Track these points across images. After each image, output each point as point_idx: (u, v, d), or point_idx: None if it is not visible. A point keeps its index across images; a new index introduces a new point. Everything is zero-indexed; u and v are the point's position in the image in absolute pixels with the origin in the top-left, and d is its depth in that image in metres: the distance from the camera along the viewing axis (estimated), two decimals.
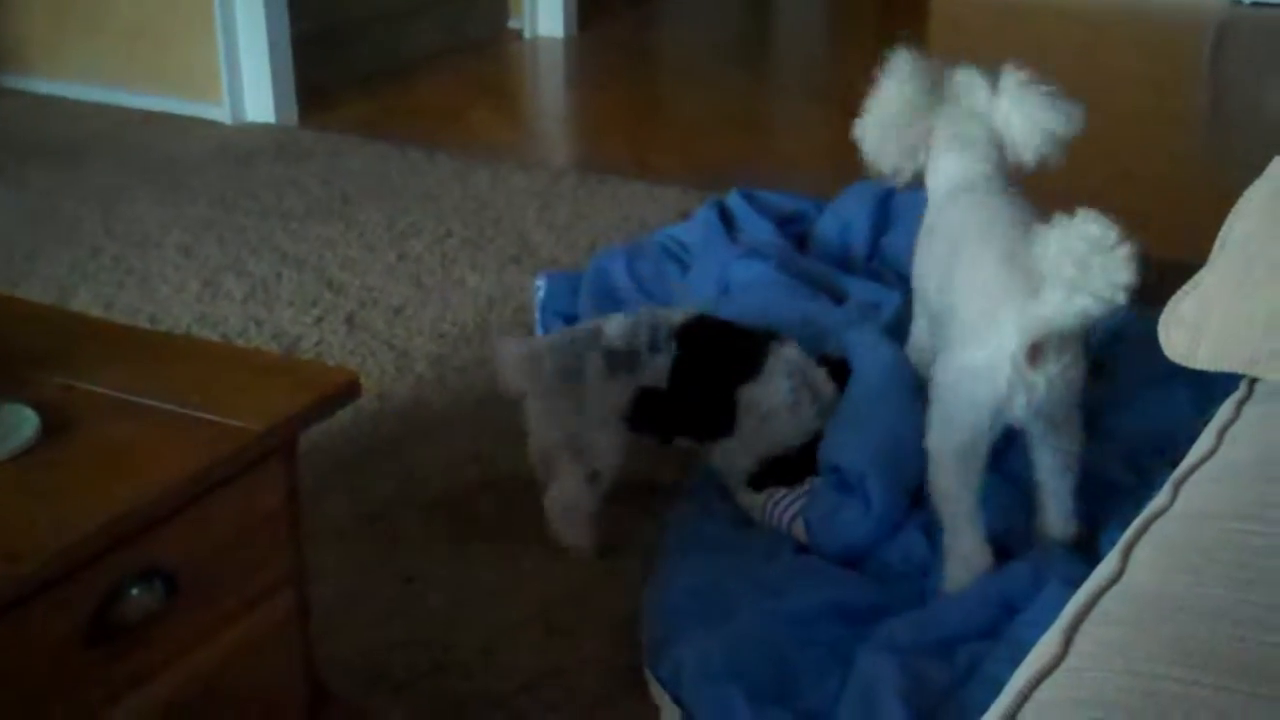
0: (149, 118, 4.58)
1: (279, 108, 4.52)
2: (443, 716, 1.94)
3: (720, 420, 2.32)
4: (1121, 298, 1.72)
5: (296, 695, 1.54)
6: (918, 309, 2.43)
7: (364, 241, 3.54)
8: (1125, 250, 1.74)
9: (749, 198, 3.26)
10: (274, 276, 3.33)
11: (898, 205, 3.09)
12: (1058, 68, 5.13)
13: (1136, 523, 1.26)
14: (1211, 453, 1.36)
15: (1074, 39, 5.88)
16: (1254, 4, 6.20)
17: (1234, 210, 1.49)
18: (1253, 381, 1.50)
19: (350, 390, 1.46)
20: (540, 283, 3.04)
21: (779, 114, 4.96)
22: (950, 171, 2.30)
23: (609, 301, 2.91)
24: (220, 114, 4.53)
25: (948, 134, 2.34)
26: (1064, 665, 1.09)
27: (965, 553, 2.01)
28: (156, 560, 1.31)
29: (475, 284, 3.28)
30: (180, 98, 4.59)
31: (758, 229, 3.11)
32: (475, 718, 1.93)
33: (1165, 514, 1.27)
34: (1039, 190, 3.76)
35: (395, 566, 2.24)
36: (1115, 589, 1.17)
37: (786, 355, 2.35)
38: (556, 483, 2.29)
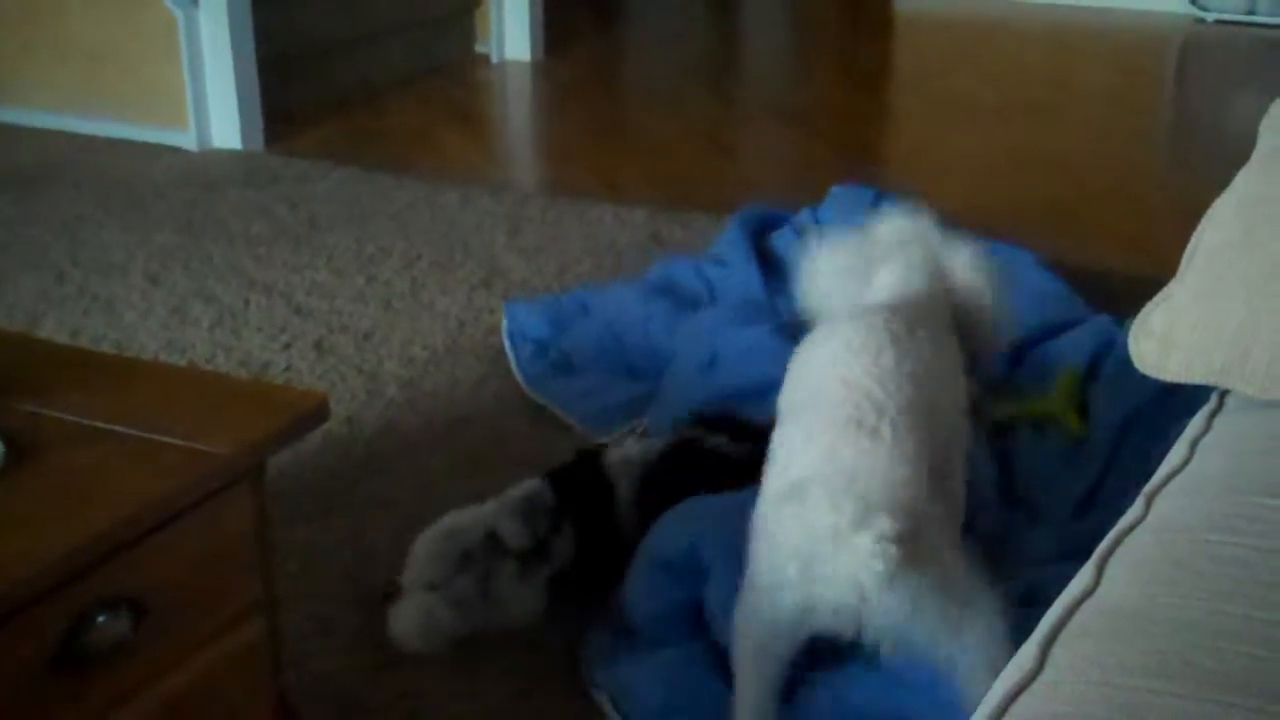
0: (114, 145, 4.55)
1: (245, 133, 4.50)
2: None
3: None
4: (875, 597, 1.47)
5: None
6: None
7: (332, 266, 3.52)
8: (870, 536, 1.46)
9: (773, 220, 3.21)
10: (241, 303, 3.31)
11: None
12: (1022, 84, 5.16)
13: (1110, 535, 1.26)
14: (1184, 464, 1.36)
15: (1038, 56, 5.91)
16: (1218, 21, 6.25)
17: (1203, 222, 1.50)
18: (1223, 394, 1.51)
19: (319, 413, 1.45)
20: (505, 316, 3.03)
21: (746, 135, 4.97)
22: None
23: (610, 343, 2.88)
24: (186, 140, 4.51)
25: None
26: (1041, 679, 1.09)
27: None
28: (124, 587, 1.30)
29: (445, 307, 3.27)
30: (145, 124, 4.57)
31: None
32: None
33: (1139, 527, 1.27)
34: (1005, 206, 3.80)
35: (366, 593, 2.22)
36: (1090, 602, 1.17)
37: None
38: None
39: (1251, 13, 6.23)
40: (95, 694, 1.29)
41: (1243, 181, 1.46)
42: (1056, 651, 1.11)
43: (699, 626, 2.04)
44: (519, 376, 2.87)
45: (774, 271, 3.01)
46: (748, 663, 1.72)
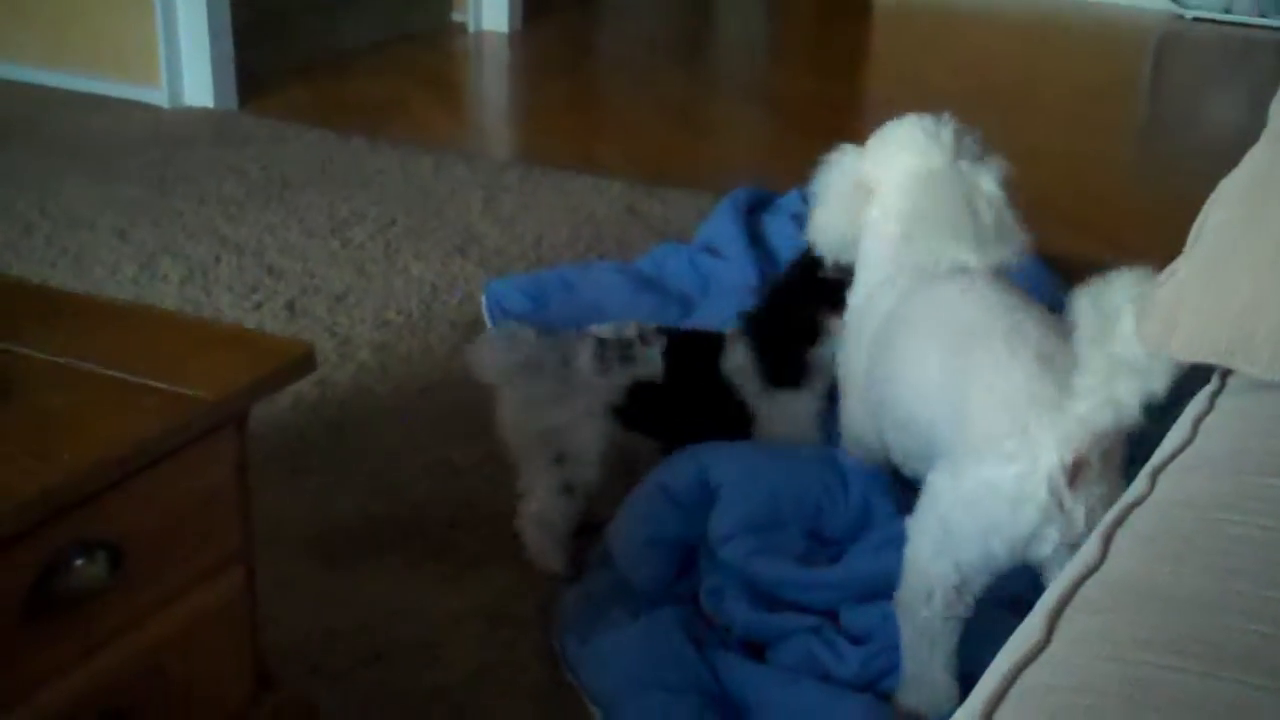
0: (84, 100, 4.48)
1: (218, 92, 4.44)
2: (383, 708, 1.89)
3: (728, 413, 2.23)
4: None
5: (242, 678, 1.49)
6: (850, 391, 2.12)
7: (305, 228, 3.47)
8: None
9: (762, 202, 3.17)
10: (212, 260, 3.26)
11: None
12: (998, 75, 5.15)
13: (1115, 510, 1.24)
14: (1187, 443, 1.35)
15: (1016, 48, 5.90)
16: (1196, 19, 6.26)
17: (1209, 200, 1.48)
18: (1225, 374, 1.49)
19: (304, 363, 1.41)
20: (485, 293, 2.99)
21: (721, 115, 4.93)
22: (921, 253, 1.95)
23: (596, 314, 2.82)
24: (158, 97, 4.44)
25: (921, 210, 1.99)
26: (1048, 651, 1.07)
27: (929, 683, 1.75)
28: (102, 531, 1.26)
29: (419, 273, 3.22)
30: (117, 80, 4.49)
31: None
32: (416, 710, 1.88)
33: (1144, 503, 1.25)
34: None
35: (335, 555, 2.19)
36: (1096, 576, 1.15)
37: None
38: (531, 496, 2.16)
39: (1229, 11, 6.24)
40: (70, 639, 1.25)
41: (1251, 160, 1.45)
42: (1063, 624, 1.09)
43: (681, 574, 2.03)
44: None
45: (769, 260, 2.96)
46: (939, 606, 1.71)
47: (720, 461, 2.11)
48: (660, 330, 2.24)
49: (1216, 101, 5.40)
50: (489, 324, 2.92)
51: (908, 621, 1.75)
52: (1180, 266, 1.44)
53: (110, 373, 1.35)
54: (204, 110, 4.42)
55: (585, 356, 2.15)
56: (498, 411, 2.18)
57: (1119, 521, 1.22)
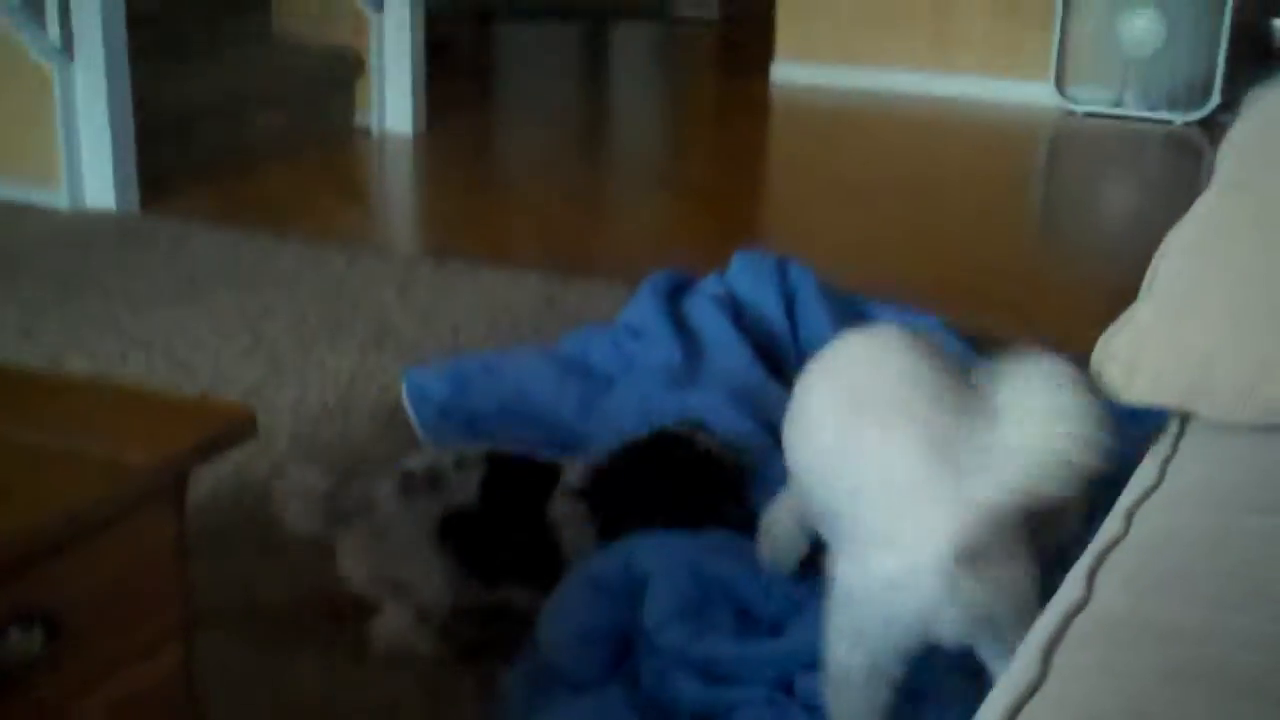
0: None
1: (120, 195, 4.37)
2: None
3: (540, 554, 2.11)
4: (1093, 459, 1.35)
5: None
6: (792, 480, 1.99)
7: (215, 324, 3.40)
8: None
9: (682, 286, 3.15)
10: (119, 357, 3.18)
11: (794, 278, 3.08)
12: (898, 167, 5.23)
13: (1093, 550, 1.21)
14: (1156, 485, 1.33)
15: (912, 142, 5.99)
16: (1087, 114, 6.40)
17: (1162, 247, 1.48)
18: (1183, 418, 1.48)
19: (245, 427, 1.36)
20: (405, 380, 2.92)
21: (630, 206, 4.95)
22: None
23: (519, 405, 2.78)
24: (57, 199, 4.36)
25: None
26: (1046, 688, 1.03)
27: None
28: (38, 602, 1.18)
29: (335, 365, 3.16)
30: (13, 182, 4.40)
31: (716, 331, 2.95)
32: None
33: (1122, 542, 1.22)
34: (894, 279, 3.81)
35: (264, 639, 2.11)
36: (1085, 613, 1.12)
37: (577, 469, 2.18)
38: (380, 620, 2.11)
39: (1119, 105, 6.39)
40: (4, 716, 1.17)
41: (1202, 207, 1.45)
42: (1058, 660, 1.06)
43: (619, 660, 1.97)
44: (422, 436, 2.77)
45: (691, 342, 2.94)
46: (856, 697, 1.65)
47: (644, 550, 2.06)
48: (488, 456, 2.15)
49: (1110, 190, 5.51)
50: (410, 413, 2.85)
51: (836, 703, 1.69)
52: (1137, 312, 1.43)
53: (46, 441, 1.29)
54: (105, 212, 4.35)
55: (385, 492, 2.10)
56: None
57: (1100, 560, 1.19)
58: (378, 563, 2.09)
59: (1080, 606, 1.13)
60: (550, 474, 2.16)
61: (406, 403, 2.89)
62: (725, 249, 3.63)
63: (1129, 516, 1.27)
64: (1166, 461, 1.37)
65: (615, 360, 2.92)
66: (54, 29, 4.28)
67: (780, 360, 2.91)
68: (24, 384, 1.46)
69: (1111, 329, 1.46)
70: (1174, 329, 1.38)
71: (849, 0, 6.88)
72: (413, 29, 5.57)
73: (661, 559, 2.04)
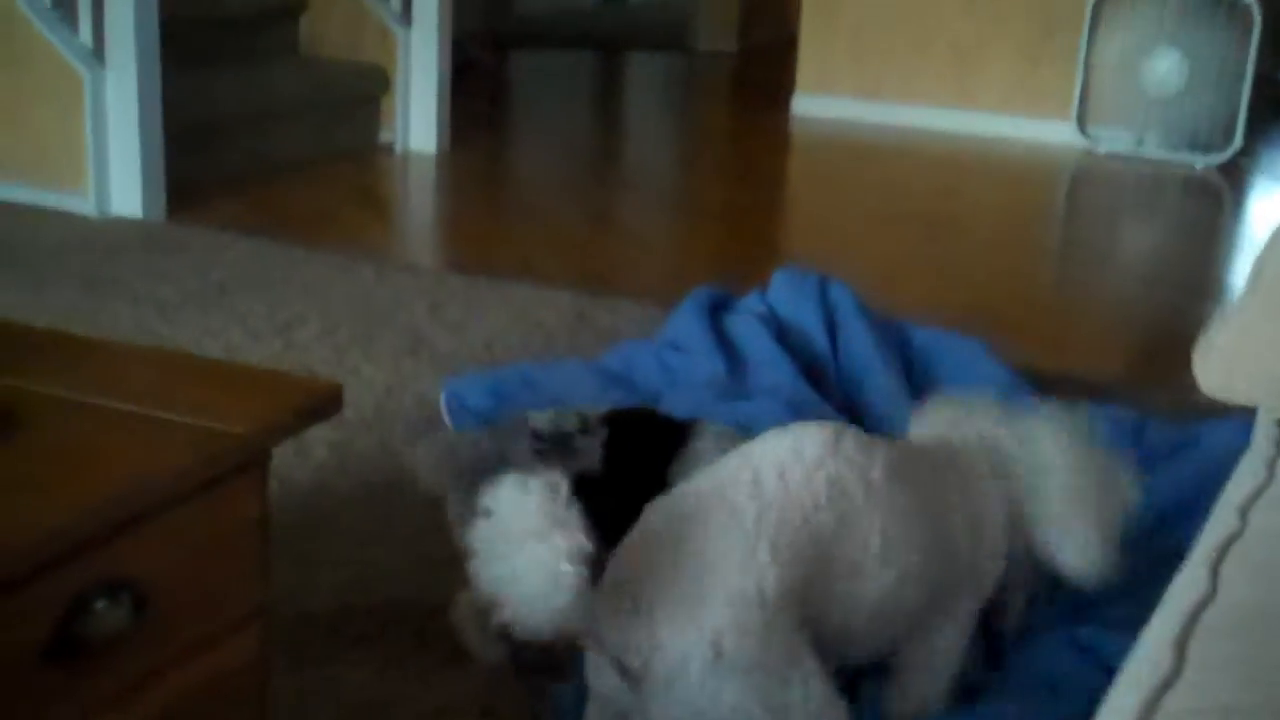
0: (4, 208, 4.36)
1: (147, 201, 4.34)
2: None
3: None
4: None
5: None
6: None
7: (247, 330, 3.37)
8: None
9: (722, 303, 3.12)
10: None
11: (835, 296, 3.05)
12: (921, 200, 5.23)
13: (1214, 543, 1.18)
14: (1267, 484, 1.30)
15: (934, 177, 5.98)
16: (1108, 153, 6.39)
17: (1268, 242, 1.45)
18: None
19: (334, 401, 1.32)
20: (444, 390, 2.89)
21: (656, 227, 4.93)
22: None
23: None
24: (84, 206, 4.34)
25: None
26: (1184, 679, 1.00)
27: None
28: (126, 571, 1.15)
29: (370, 374, 3.13)
30: (41, 187, 4.38)
31: (759, 347, 2.93)
32: None
33: (1241, 537, 1.19)
34: (923, 306, 3.78)
35: (310, 648, 2.07)
36: (1214, 607, 1.09)
37: (714, 431, 2.20)
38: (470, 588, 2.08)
39: (1140, 146, 6.39)
40: (90, 687, 1.14)
41: None
42: (1193, 652, 1.03)
43: None
44: None
45: (735, 357, 2.91)
46: None
47: None
48: (609, 417, 2.13)
49: (1131, 229, 5.50)
50: (448, 422, 2.83)
51: None
52: (1242, 306, 1.40)
53: (134, 408, 1.25)
54: (132, 220, 4.32)
55: (522, 451, 2.05)
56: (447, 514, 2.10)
57: (1221, 554, 1.16)
58: None
59: (1208, 600, 1.09)
60: (674, 433, 2.13)
61: (445, 413, 2.86)
62: (748, 272, 3.62)
63: (1243, 513, 1.23)
64: (1273, 462, 1.34)
65: (659, 374, 2.89)
66: (86, 34, 4.26)
67: (821, 378, 2.88)
68: (109, 354, 1.42)
69: (1213, 325, 1.43)
70: (1277, 327, 1.35)
71: (871, 35, 6.88)
72: (439, 47, 5.56)
73: None
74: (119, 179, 4.33)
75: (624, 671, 1.47)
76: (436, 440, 2.14)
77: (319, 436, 2.78)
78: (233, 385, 1.32)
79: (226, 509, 1.24)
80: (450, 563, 2.25)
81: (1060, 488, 1.69)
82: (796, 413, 2.57)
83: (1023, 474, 1.73)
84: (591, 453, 2.08)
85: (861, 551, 1.58)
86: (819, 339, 3.00)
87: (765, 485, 1.56)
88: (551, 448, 2.06)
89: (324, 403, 1.31)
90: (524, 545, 1.36)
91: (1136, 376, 3.41)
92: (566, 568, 1.34)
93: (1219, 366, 1.39)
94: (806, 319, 3.03)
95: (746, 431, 2.35)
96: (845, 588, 1.57)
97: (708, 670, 1.44)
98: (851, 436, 1.67)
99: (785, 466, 1.59)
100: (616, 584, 1.49)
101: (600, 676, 1.53)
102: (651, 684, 1.46)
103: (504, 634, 2.00)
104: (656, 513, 1.61)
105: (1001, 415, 1.78)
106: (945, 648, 1.72)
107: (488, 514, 1.43)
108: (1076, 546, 1.69)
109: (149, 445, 1.21)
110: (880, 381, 2.87)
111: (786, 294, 3.10)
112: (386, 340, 3.35)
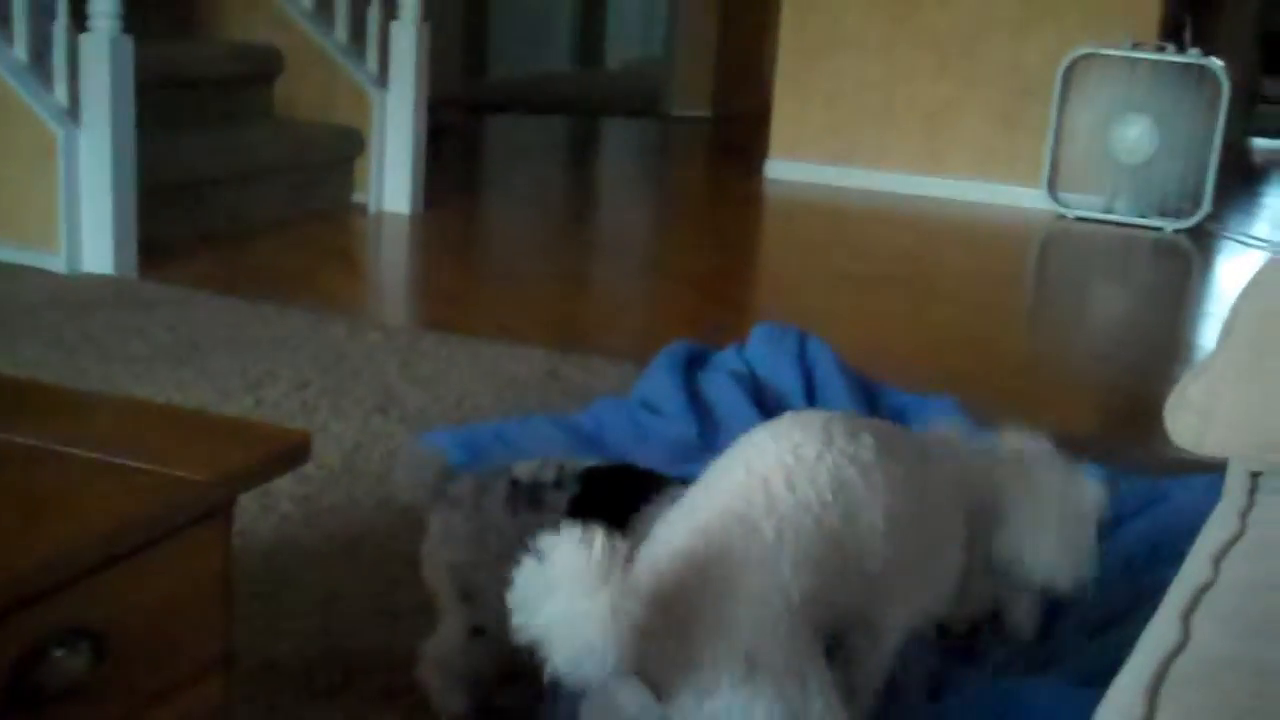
0: None
1: (119, 259, 4.33)
2: None
3: None
4: None
5: None
6: None
7: (217, 387, 3.35)
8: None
9: (698, 357, 3.11)
10: None
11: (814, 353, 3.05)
12: (894, 262, 5.26)
13: (1186, 592, 1.17)
14: (1240, 535, 1.29)
15: (906, 240, 6.01)
16: (1078, 218, 6.44)
17: (1239, 296, 1.45)
18: (1255, 475, 1.44)
19: (301, 451, 1.31)
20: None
21: (629, 288, 4.94)
22: None
23: None
24: (55, 263, 4.32)
25: None
26: None
27: None
28: (85, 619, 1.13)
29: (339, 430, 3.11)
30: (11, 244, 4.36)
31: (732, 407, 2.93)
32: None
33: (1213, 586, 1.19)
34: (901, 365, 3.79)
35: (274, 701, 2.04)
36: (1186, 654, 1.08)
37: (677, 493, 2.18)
38: (437, 631, 2.05)
39: (1110, 211, 6.44)
40: None
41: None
42: (1164, 700, 1.02)
43: None
44: None
45: (707, 417, 2.90)
46: None
47: None
48: (584, 473, 2.11)
49: (1101, 291, 5.53)
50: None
51: None
52: (1214, 360, 1.40)
53: (97, 456, 1.24)
54: (103, 277, 4.30)
55: (497, 497, 2.04)
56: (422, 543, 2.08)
57: (1193, 603, 1.15)
58: (464, 562, 2.01)
59: (1179, 648, 1.09)
60: (642, 491, 2.12)
61: None
62: (722, 331, 3.62)
63: (1216, 562, 1.23)
64: (1245, 512, 1.33)
65: (631, 433, 2.88)
66: (61, 93, 4.26)
67: None
68: (75, 402, 1.41)
69: (1185, 378, 1.43)
70: (1252, 377, 1.35)
71: (844, 100, 6.93)
72: (414, 110, 5.58)
73: None
74: (91, 237, 4.32)
75: (655, 689, 1.49)
76: (418, 453, 2.13)
77: (285, 491, 2.76)
78: (198, 434, 1.31)
79: (189, 558, 1.22)
80: (415, 614, 2.25)
81: (1030, 494, 1.76)
82: None
83: (990, 480, 1.80)
84: (557, 507, 2.07)
85: (871, 538, 1.62)
86: (796, 397, 3.00)
87: (777, 498, 1.60)
88: (522, 496, 2.05)
89: (291, 452, 1.29)
90: (579, 596, 1.37)
91: (1107, 435, 3.42)
92: (619, 621, 1.36)
93: (1191, 419, 1.39)
94: (784, 376, 3.03)
95: None
96: (856, 580, 1.61)
97: (740, 686, 1.47)
98: (839, 422, 1.72)
99: (790, 471, 1.63)
100: (649, 602, 1.50)
101: (624, 697, 1.54)
102: (682, 701, 1.48)
103: (469, 684, 2.00)
104: (675, 531, 1.63)
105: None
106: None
107: (540, 559, 1.43)
108: (1046, 552, 1.76)
109: (111, 493, 1.19)
110: None
111: (765, 350, 3.10)
112: (356, 397, 3.33)
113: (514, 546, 1.96)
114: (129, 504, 1.18)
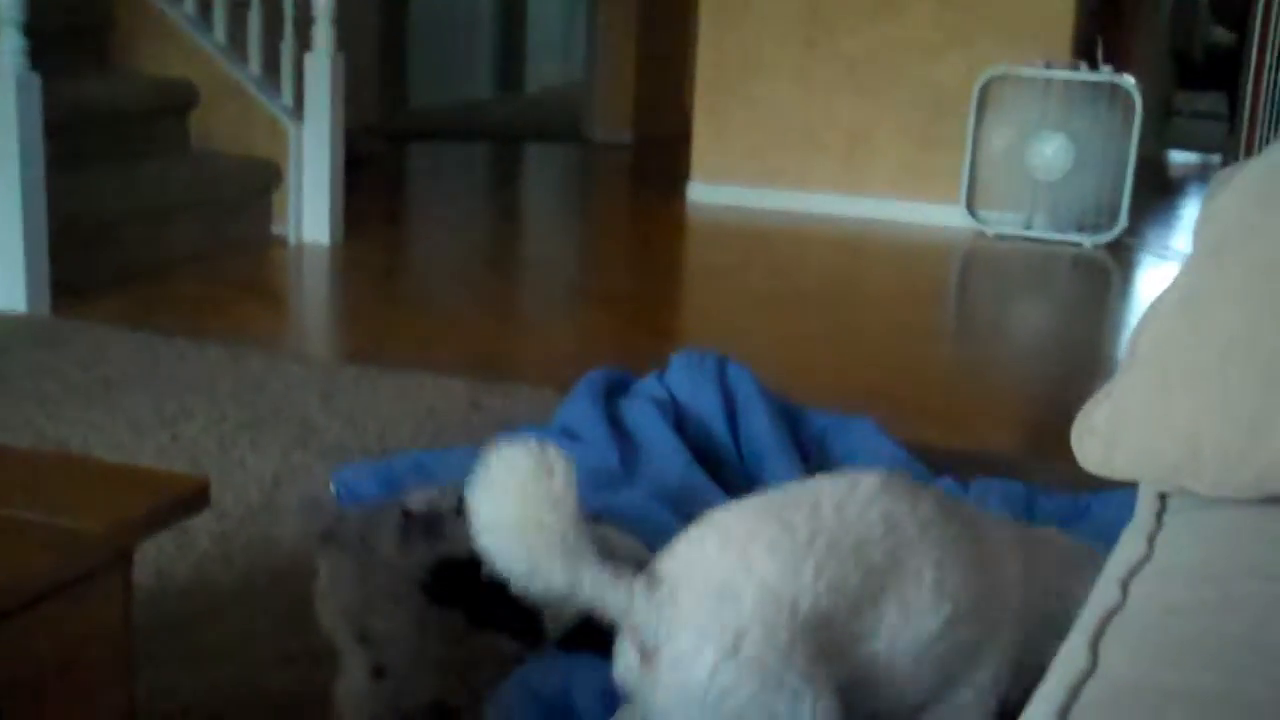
0: None
1: (31, 297, 4.26)
2: None
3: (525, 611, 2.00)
4: None
5: None
6: None
7: (132, 425, 3.30)
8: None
9: (618, 385, 3.09)
10: None
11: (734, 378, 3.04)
12: (815, 282, 5.28)
13: (1095, 617, 1.17)
14: (1147, 557, 1.29)
15: (828, 259, 6.04)
16: (997, 235, 6.49)
17: (1142, 319, 1.46)
18: (1163, 495, 1.45)
19: (199, 497, 1.28)
20: (333, 481, 2.84)
21: (552, 315, 4.92)
22: None
23: None
24: None
25: None
26: None
27: None
28: None
29: (256, 465, 3.07)
30: None
31: (653, 433, 2.91)
32: None
33: (1122, 610, 1.18)
34: (821, 386, 3.80)
35: None
36: (1094, 680, 1.07)
37: (597, 532, 2.16)
38: (341, 676, 2.01)
39: (1029, 227, 6.50)
40: None
41: (1184, 277, 1.43)
42: None
43: None
44: None
45: (628, 444, 2.89)
46: None
47: (584, 676, 1.97)
48: None
49: (1020, 307, 5.57)
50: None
51: None
52: (1119, 384, 1.41)
53: None
54: (15, 316, 4.24)
55: (386, 533, 2.00)
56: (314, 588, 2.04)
57: (1101, 629, 1.15)
58: (354, 605, 1.97)
59: (1087, 674, 1.08)
60: None
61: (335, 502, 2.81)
62: (645, 356, 3.61)
63: (1124, 586, 1.23)
64: (1153, 535, 1.34)
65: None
66: None
67: (720, 462, 2.87)
68: None
69: (1090, 403, 1.43)
70: (1156, 400, 1.36)
71: (764, 123, 6.96)
72: (331, 140, 5.54)
73: (596, 691, 1.94)
74: (2, 275, 4.25)
75: (641, 651, 1.50)
76: (309, 498, 2.09)
77: (203, 528, 2.72)
78: (95, 483, 1.28)
79: (87, 610, 1.20)
80: (333, 655, 2.22)
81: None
82: (681, 500, 2.56)
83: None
84: (461, 536, 2.03)
85: (915, 586, 1.60)
86: (718, 423, 2.99)
87: (823, 512, 1.60)
88: (416, 528, 2.02)
89: (190, 498, 1.27)
90: (514, 504, 1.35)
91: (1028, 450, 3.44)
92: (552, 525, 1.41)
93: (1098, 443, 1.39)
94: (705, 402, 3.02)
95: (623, 519, 2.34)
96: (894, 623, 1.59)
97: (721, 665, 1.45)
98: (899, 477, 1.72)
99: (842, 499, 1.63)
100: (656, 570, 1.54)
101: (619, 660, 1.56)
102: (661, 665, 1.47)
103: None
104: (710, 522, 1.64)
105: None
106: (963, 708, 1.69)
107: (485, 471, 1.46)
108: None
109: (3, 546, 1.16)
110: (780, 462, 2.86)
111: (685, 376, 3.09)
112: (275, 431, 3.29)
113: (405, 582, 1.95)
114: (22, 557, 1.14)
